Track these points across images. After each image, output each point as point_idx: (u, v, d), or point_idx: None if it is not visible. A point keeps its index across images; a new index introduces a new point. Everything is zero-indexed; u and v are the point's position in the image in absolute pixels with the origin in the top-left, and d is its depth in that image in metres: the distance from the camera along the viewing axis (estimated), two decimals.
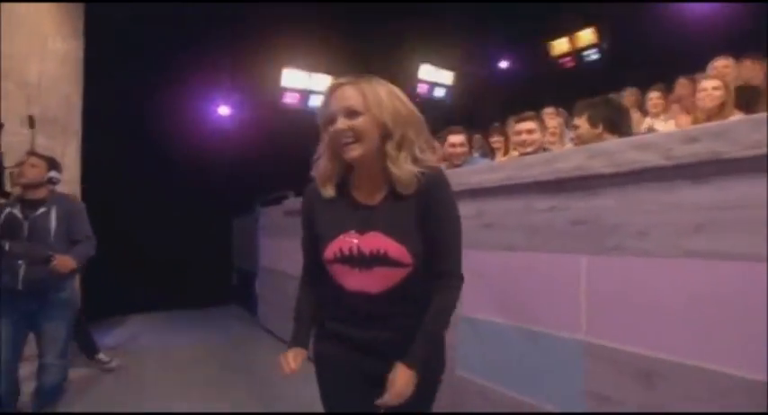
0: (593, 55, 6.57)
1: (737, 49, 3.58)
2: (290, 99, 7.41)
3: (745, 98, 2.60)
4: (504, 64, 8.24)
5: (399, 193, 1.10)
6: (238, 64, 6.86)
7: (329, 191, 1.15)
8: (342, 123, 1.07)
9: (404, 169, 1.08)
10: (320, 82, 7.61)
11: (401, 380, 1.07)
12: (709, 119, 2.45)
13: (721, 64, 3.27)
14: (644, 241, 1.44)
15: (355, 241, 1.11)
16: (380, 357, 1.13)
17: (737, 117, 2.44)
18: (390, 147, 1.09)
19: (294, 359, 1.17)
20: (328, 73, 7.61)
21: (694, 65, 3.87)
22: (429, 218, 1.10)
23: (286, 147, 6.95)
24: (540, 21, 6.73)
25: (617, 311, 1.52)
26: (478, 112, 7.53)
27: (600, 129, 2.03)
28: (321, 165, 1.16)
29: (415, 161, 1.10)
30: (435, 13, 7.15)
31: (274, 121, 7.21)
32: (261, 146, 6.87)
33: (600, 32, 6.41)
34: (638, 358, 1.44)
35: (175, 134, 6.24)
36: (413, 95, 8.27)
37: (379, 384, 1.10)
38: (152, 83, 5.95)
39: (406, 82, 7.95)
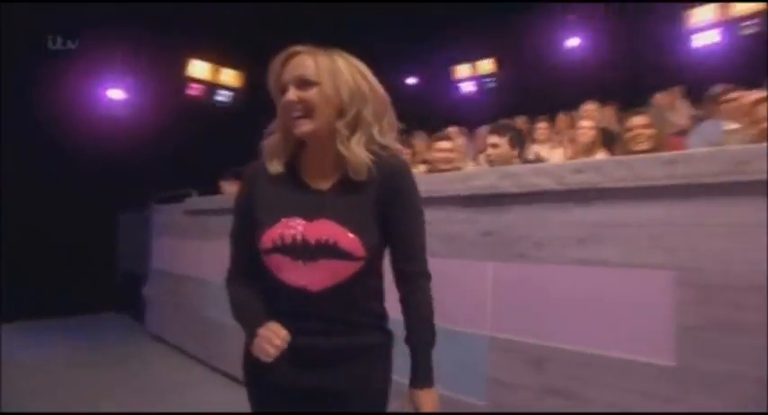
0: (491, 83, 7.36)
1: (602, 95, 4.38)
2: (194, 91, 6.98)
3: (607, 139, 3.20)
4: (411, 80, 8.75)
5: (353, 178, 0.98)
6: (135, 44, 6.25)
7: (276, 167, 1.01)
8: (292, 94, 0.95)
9: (354, 151, 0.96)
10: (228, 77, 7.29)
11: (428, 403, 0.99)
12: (584, 153, 2.99)
13: (590, 107, 3.98)
14: (541, 250, 1.76)
15: (300, 227, 0.96)
16: (322, 370, 0.98)
17: (602, 154, 3.01)
18: (341, 125, 0.96)
19: (279, 330, 0.93)
20: (237, 69, 7.34)
21: (570, 103, 4.64)
22: (391, 209, 0.98)
23: (187, 142, 6.54)
24: (450, 45, 7.34)
25: (517, 309, 1.81)
26: None
27: (517, 152, 2.36)
28: (272, 139, 1.03)
29: (372, 143, 0.98)
30: (349, 20, 7.34)
31: (175, 113, 6.71)
32: (157, 138, 6.34)
33: (498, 64, 7.22)
34: (531, 347, 1.74)
35: (56, 116, 5.48)
36: None
37: (320, 400, 0.99)
38: (30, 55, 5.17)
39: None
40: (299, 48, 0.98)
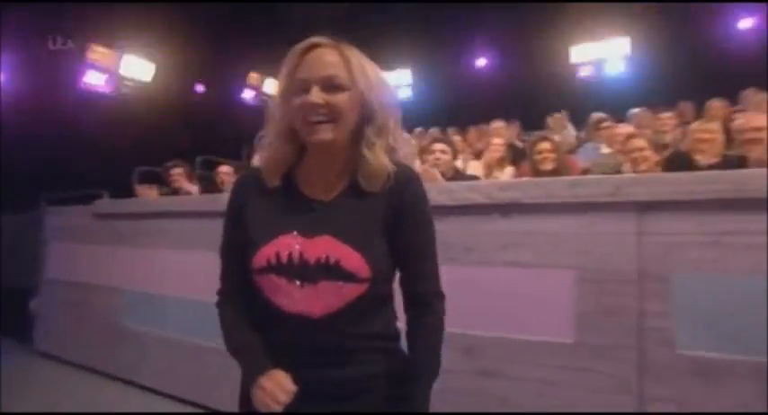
0: (406, 93, 7.86)
1: (506, 113, 5.00)
2: (94, 79, 6.31)
3: (513, 154, 3.73)
4: None
5: (362, 189, 0.88)
6: (15, 16, 5.47)
7: (275, 181, 0.91)
8: (317, 96, 0.83)
9: (380, 160, 0.87)
10: (134, 67, 6.69)
11: None
12: (496, 167, 3.45)
13: (499, 125, 4.54)
14: (470, 255, 2.08)
15: (297, 245, 0.86)
16: (331, 405, 0.87)
17: (510, 168, 3.50)
18: (371, 133, 0.88)
19: (285, 382, 0.83)
20: (148, 58, 6.79)
21: (477, 118, 5.21)
22: (403, 223, 0.89)
23: (83, 136, 5.91)
24: (366, 53, 7.65)
25: (450, 305, 2.10)
26: None
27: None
28: (273, 147, 0.91)
29: (389, 152, 0.91)
30: (271, 17, 7.23)
31: (68, 102, 6.03)
32: (43, 130, 5.65)
33: (414, 75, 7.73)
34: (463, 337, 2.05)
35: None
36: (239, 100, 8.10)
37: None
38: None
39: (235, 81, 7.76)
40: (319, 39, 0.88)
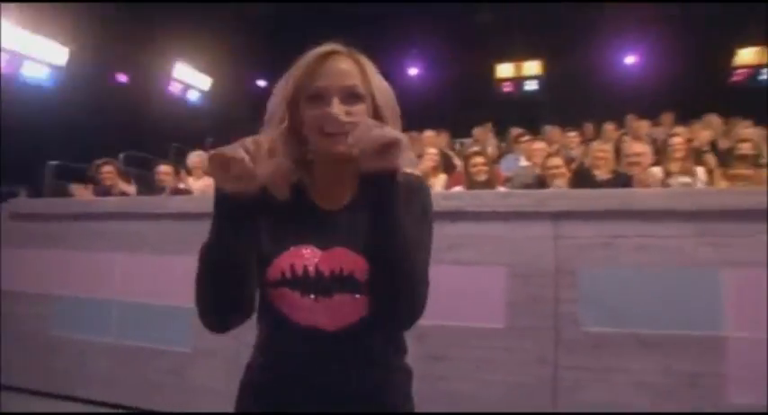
0: None
1: (437, 122, 5.42)
2: None
3: (444, 163, 4.12)
4: (262, 82, 8.77)
5: None
6: None
7: (284, 195, 0.87)
8: (338, 108, 0.82)
9: None
10: (41, 46, 5.99)
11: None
12: (429, 175, 3.79)
13: (430, 134, 4.93)
14: None
15: (312, 257, 0.85)
16: None
17: (443, 176, 3.87)
18: None
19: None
20: (57, 39, 6.14)
21: (406, 124, 5.58)
22: None
23: None
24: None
25: None
26: (233, 125, 7.71)
27: None
28: (279, 159, 0.86)
29: None
30: (197, 11, 6.99)
31: None
32: None
33: None
34: (415, 327, 2.34)
35: None
36: (167, 94, 7.66)
37: None
38: None
39: (160, 72, 7.35)
40: (334, 46, 0.86)
